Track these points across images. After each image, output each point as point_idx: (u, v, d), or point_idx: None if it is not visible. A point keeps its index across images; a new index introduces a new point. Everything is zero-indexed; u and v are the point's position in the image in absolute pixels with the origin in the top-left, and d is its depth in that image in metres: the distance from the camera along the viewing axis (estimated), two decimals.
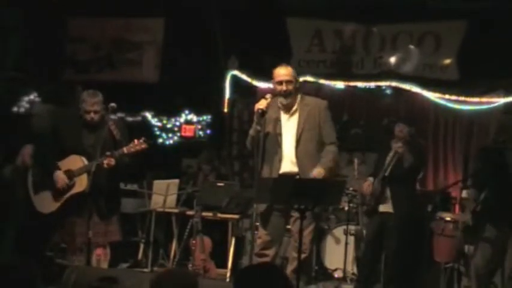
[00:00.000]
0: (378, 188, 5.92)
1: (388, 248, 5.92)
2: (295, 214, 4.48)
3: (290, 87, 4.54)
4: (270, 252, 4.58)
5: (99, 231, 4.80)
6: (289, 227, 4.71)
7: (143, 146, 4.69)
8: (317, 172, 4.48)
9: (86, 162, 4.73)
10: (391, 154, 5.97)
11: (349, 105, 8.36)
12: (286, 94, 4.55)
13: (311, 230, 4.56)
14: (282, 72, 4.55)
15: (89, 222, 4.56)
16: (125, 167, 4.84)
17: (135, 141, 4.69)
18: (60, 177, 4.75)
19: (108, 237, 4.91)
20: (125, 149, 4.67)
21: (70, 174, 4.75)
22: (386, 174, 5.84)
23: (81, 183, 4.70)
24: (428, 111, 8.04)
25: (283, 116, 4.63)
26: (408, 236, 5.91)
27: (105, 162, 4.63)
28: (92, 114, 4.78)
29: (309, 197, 4.07)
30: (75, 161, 4.76)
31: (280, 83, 4.54)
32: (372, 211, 6.06)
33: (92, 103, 4.77)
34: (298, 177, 4.52)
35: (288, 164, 4.55)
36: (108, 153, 4.63)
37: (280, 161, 4.55)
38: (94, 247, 4.79)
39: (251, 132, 4.59)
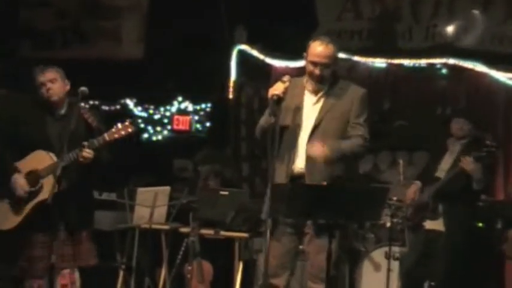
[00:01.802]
0: (428, 202, 5.93)
1: (434, 274, 5.92)
2: (310, 231, 4.47)
3: (326, 73, 4.52)
4: (280, 281, 4.55)
5: (66, 252, 4.79)
6: (301, 247, 4.71)
7: (129, 129, 4.69)
8: (316, 148, 4.44)
9: (54, 158, 4.73)
10: (448, 159, 5.96)
11: (392, 89, 8.34)
12: (318, 79, 4.54)
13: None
14: (319, 50, 4.49)
15: (52, 242, 4.56)
16: (104, 165, 4.85)
17: (119, 125, 4.69)
18: (18, 183, 4.75)
19: (78, 260, 4.89)
20: (106, 136, 4.67)
21: (35, 176, 4.75)
22: (442, 188, 5.85)
23: (50, 187, 4.65)
24: (497, 96, 7.99)
25: (308, 101, 4.61)
26: (464, 261, 5.90)
27: (82, 155, 4.62)
28: (48, 84, 4.79)
29: (339, 209, 4.06)
30: (41, 158, 4.75)
31: (314, 64, 4.52)
32: (415, 227, 6.06)
33: (46, 71, 4.82)
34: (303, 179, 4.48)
35: (303, 162, 4.54)
36: (85, 143, 4.62)
37: (294, 156, 4.54)
38: (58, 274, 4.77)
39: (262, 121, 4.57)
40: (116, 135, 4.67)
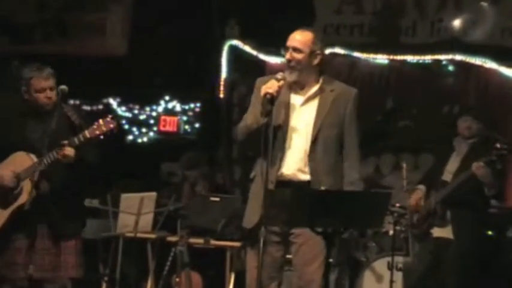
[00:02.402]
0: (435, 209, 5.93)
1: (444, 286, 5.91)
2: (298, 239, 4.45)
3: (298, 57, 4.54)
4: None
5: (48, 260, 4.79)
6: (289, 256, 4.70)
7: (111, 125, 4.71)
8: None
9: (35, 159, 4.76)
10: (455, 161, 5.96)
11: (396, 87, 8.34)
12: (289, 66, 4.57)
13: (321, 262, 4.52)
14: (294, 36, 4.56)
15: (30, 249, 4.57)
16: (91, 167, 4.89)
17: (100, 121, 4.71)
18: (3, 174, 4.76)
19: (64, 271, 4.87)
20: (87, 133, 4.69)
21: (15, 178, 4.76)
22: (451, 194, 5.85)
23: (30, 189, 4.70)
24: (508, 94, 8.01)
25: (294, 99, 4.62)
26: (476, 272, 5.89)
27: (61, 153, 4.64)
28: (48, 93, 4.81)
29: (339, 216, 4.05)
30: (21, 160, 4.78)
31: (287, 49, 4.59)
32: (422, 235, 6.06)
33: (45, 77, 4.81)
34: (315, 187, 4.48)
35: (292, 165, 4.53)
36: (64, 142, 4.65)
37: (281, 159, 4.53)
38: None
39: (249, 120, 4.56)
40: (97, 132, 4.69)
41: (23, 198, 4.74)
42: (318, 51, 4.57)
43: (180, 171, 8.53)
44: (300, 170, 4.50)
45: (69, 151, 4.65)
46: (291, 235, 4.51)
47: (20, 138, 4.82)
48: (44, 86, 4.80)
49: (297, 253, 4.54)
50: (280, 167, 4.51)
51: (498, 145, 5.67)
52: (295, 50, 4.55)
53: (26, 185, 4.75)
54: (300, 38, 4.55)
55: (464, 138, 6.03)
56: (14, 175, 4.76)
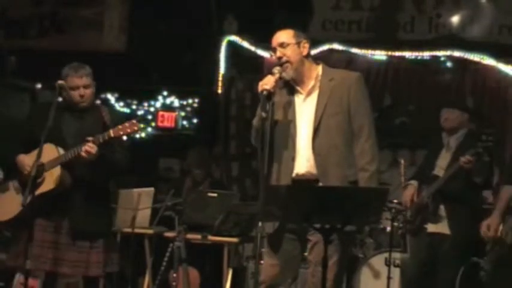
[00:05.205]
0: (427, 203, 5.93)
1: (442, 283, 5.93)
2: (313, 237, 4.47)
3: (286, 51, 4.58)
4: None
5: (70, 258, 4.92)
6: (306, 254, 4.71)
7: (135, 127, 4.86)
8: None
9: (62, 152, 4.91)
10: (446, 156, 5.96)
11: (393, 83, 8.35)
12: (282, 63, 4.59)
13: (336, 261, 4.53)
14: (276, 35, 4.64)
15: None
16: (118, 167, 5.05)
17: (125, 123, 4.87)
18: (22, 161, 4.92)
19: (84, 268, 5.01)
20: (111, 132, 4.83)
21: (39, 168, 4.84)
22: (442, 187, 5.86)
23: (52, 180, 4.86)
24: (506, 91, 8.02)
25: (297, 98, 4.64)
26: (472, 267, 5.90)
27: (84, 149, 4.77)
28: (82, 90, 4.98)
29: (336, 212, 4.06)
30: (49, 151, 4.89)
31: (274, 50, 4.63)
32: (416, 230, 6.06)
33: (79, 75, 4.98)
34: (319, 183, 4.51)
35: (304, 163, 4.54)
36: (89, 138, 4.80)
37: (293, 159, 4.54)
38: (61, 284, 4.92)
39: (255, 122, 4.59)
40: (121, 132, 4.84)
41: (45, 186, 4.88)
42: (304, 40, 4.62)
43: (182, 166, 8.55)
44: (310, 163, 4.53)
45: (91, 147, 4.78)
46: (308, 232, 4.53)
47: (54, 131, 4.91)
48: (77, 84, 4.97)
49: (311, 251, 4.56)
50: (293, 167, 4.54)
51: (483, 137, 5.66)
52: (282, 45, 4.60)
53: (51, 174, 4.89)
54: (282, 34, 4.62)
55: (447, 130, 6.03)
56: (33, 165, 4.85)
